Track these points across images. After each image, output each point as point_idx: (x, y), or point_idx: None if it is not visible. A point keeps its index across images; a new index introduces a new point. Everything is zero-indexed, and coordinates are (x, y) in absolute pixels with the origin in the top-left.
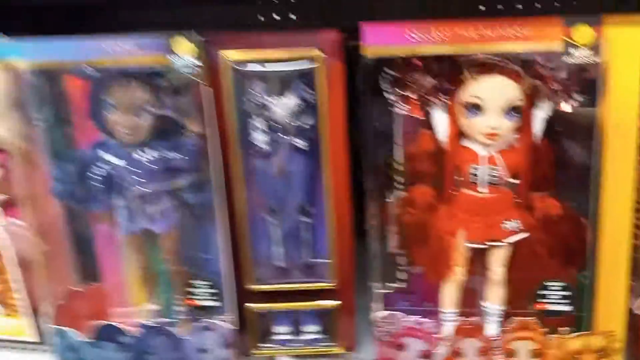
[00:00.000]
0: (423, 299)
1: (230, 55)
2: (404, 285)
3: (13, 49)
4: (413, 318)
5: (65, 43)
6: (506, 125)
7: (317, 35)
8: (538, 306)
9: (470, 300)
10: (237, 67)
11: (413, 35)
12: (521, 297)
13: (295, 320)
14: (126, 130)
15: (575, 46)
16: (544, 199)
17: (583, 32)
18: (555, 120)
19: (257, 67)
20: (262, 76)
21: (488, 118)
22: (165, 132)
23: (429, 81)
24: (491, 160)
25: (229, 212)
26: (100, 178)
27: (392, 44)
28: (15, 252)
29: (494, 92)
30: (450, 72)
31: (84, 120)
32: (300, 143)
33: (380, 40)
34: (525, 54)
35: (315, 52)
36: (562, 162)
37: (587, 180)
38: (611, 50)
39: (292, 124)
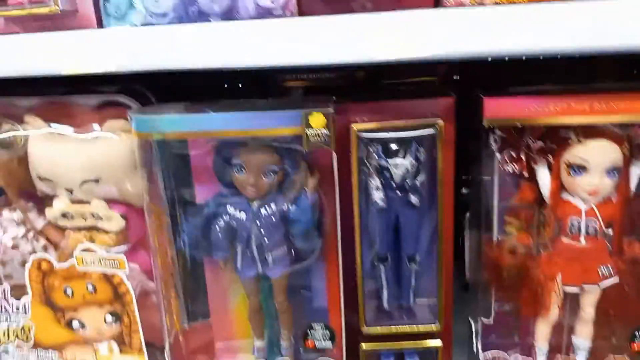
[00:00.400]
0: (514, 333)
1: (358, 126)
2: (496, 321)
3: (146, 122)
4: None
5: (196, 117)
6: (607, 184)
7: (434, 102)
8: (636, 347)
9: (559, 336)
10: (363, 135)
11: (529, 107)
12: (619, 337)
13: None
14: (252, 188)
15: None
16: (632, 244)
17: None
18: None
19: (381, 135)
20: (385, 142)
21: (592, 178)
22: (286, 187)
23: (536, 143)
24: (590, 213)
25: (343, 260)
26: (222, 230)
27: (510, 116)
28: (135, 295)
29: (599, 154)
30: (557, 135)
31: (204, 176)
32: (413, 199)
33: (500, 113)
34: None
35: (437, 121)
36: None
37: None
38: None
39: (407, 182)
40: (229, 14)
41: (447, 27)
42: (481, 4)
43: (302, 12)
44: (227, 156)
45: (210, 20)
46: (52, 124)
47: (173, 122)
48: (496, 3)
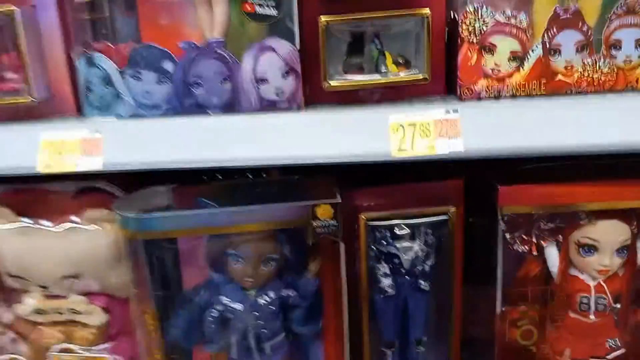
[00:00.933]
0: None
1: (368, 215)
2: None
3: (133, 222)
4: None
5: (188, 215)
6: (617, 263)
7: (443, 184)
8: None
9: None
10: (372, 224)
11: (540, 196)
12: None
13: None
14: (250, 278)
15: None
16: (636, 312)
17: None
18: None
19: (391, 223)
20: (394, 229)
21: (602, 257)
22: (286, 273)
23: (546, 225)
24: (599, 290)
25: (350, 345)
26: (216, 321)
27: (525, 204)
28: None
29: (610, 235)
30: (567, 216)
31: (194, 264)
32: (423, 284)
33: (513, 201)
34: None
35: (449, 209)
36: None
37: None
38: None
39: (417, 267)
40: (231, 107)
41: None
42: (497, 96)
43: (308, 104)
44: (222, 245)
45: (209, 114)
46: (24, 217)
47: (163, 220)
48: (513, 96)
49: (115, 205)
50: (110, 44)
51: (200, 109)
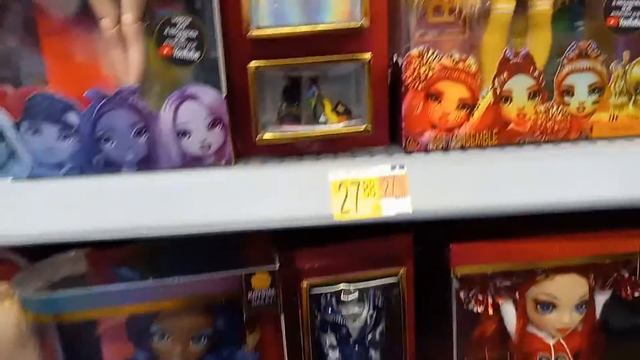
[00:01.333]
0: None
1: (310, 281)
2: None
3: (39, 303)
4: None
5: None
6: (576, 319)
7: (391, 241)
8: None
9: None
10: (316, 292)
11: (494, 253)
12: None
13: None
14: (178, 357)
15: None
16: None
17: None
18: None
19: (336, 288)
20: (340, 295)
21: (561, 315)
22: (219, 346)
23: (501, 282)
24: (559, 348)
25: None
26: None
27: (477, 262)
28: None
29: (568, 291)
30: (523, 272)
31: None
32: (373, 355)
33: (466, 260)
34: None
35: (399, 270)
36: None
37: None
38: None
39: (366, 335)
40: (147, 164)
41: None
42: (446, 148)
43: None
44: (145, 320)
45: (121, 172)
46: None
47: (74, 301)
48: (462, 147)
49: (16, 280)
50: (7, 87)
51: (111, 166)
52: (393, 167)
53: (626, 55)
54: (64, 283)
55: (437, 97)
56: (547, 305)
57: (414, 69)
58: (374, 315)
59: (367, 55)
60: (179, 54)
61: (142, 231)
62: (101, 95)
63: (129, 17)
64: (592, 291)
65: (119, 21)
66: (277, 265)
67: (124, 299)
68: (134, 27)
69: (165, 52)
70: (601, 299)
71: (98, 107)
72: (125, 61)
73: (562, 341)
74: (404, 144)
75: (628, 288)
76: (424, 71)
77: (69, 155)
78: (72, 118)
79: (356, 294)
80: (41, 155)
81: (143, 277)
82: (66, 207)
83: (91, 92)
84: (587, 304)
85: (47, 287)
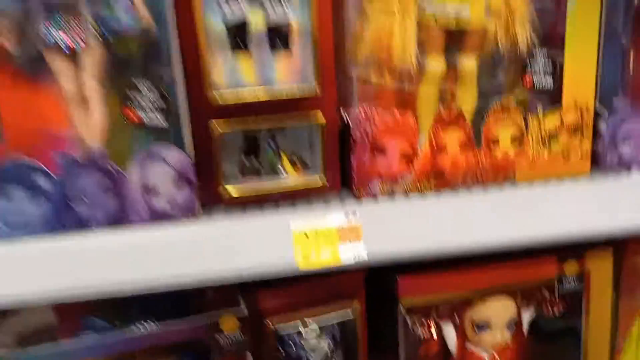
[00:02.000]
0: None
1: (273, 320)
2: None
3: None
4: None
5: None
6: (508, 336)
7: (344, 277)
8: None
9: None
10: (280, 330)
11: (436, 284)
12: None
13: None
14: None
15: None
16: None
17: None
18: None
19: (297, 324)
20: (300, 331)
21: (495, 334)
22: None
23: (443, 308)
24: None
25: None
26: None
27: (422, 293)
28: None
29: (499, 312)
30: (461, 298)
31: None
32: None
33: (413, 291)
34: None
35: (353, 303)
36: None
37: None
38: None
39: None
40: (117, 221)
41: None
42: (392, 193)
43: (205, 210)
44: None
45: (91, 229)
46: None
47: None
48: (406, 193)
49: None
50: None
51: (82, 225)
52: (347, 215)
53: (539, 108)
54: (33, 338)
55: (382, 150)
56: (483, 326)
57: (361, 127)
58: (332, 348)
59: (321, 118)
60: (142, 115)
61: (110, 288)
62: (72, 160)
63: (89, 77)
64: (519, 311)
65: (79, 81)
66: (245, 310)
67: (94, 351)
68: (95, 88)
69: (128, 113)
70: (527, 316)
71: (69, 170)
72: (87, 120)
73: (496, 356)
74: (355, 193)
75: (549, 306)
76: (370, 128)
77: (37, 214)
78: (42, 181)
79: (317, 329)
80: (7, 214)
81: (112, 325)
82: (34, 268)
83: (61, 157)
84: (515, 323)
85: (17, 343)
